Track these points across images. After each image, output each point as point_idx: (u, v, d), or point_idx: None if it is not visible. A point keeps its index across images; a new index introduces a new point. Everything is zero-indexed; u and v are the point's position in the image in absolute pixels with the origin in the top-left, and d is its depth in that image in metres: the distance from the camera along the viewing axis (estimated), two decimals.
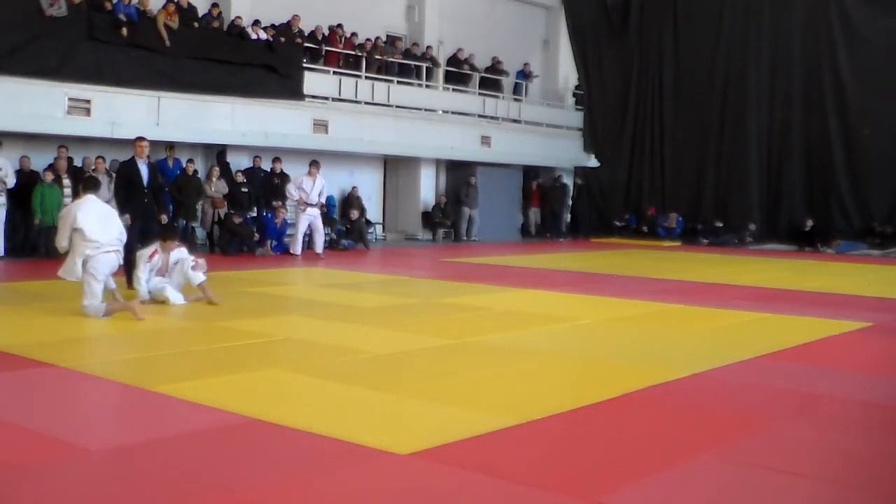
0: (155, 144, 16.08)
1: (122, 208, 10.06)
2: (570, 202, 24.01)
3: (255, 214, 16.76)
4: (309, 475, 4.07)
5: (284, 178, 17.15)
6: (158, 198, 10.67)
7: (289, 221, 17.27)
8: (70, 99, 14.66)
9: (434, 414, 5.19)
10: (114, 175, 14.74)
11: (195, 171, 16.12)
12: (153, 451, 4.33)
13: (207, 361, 6.63)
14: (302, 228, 15.80)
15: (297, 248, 15.82)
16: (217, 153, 17.27)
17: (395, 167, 21.86)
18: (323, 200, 16.40)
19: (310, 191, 15.79)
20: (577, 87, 25.78)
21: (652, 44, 24.66)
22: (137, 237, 10.00)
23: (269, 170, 17.34)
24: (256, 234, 16.03)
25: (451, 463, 4.22)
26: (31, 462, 4.13)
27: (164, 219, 10.94)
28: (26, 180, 13.99)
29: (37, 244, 13.95)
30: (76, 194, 14.12)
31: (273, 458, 4.26)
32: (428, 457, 4.28)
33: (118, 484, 3.89)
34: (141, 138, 10.46)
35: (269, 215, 16.53)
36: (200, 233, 16.64)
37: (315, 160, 16.37)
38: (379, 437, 4.55)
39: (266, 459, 4.22)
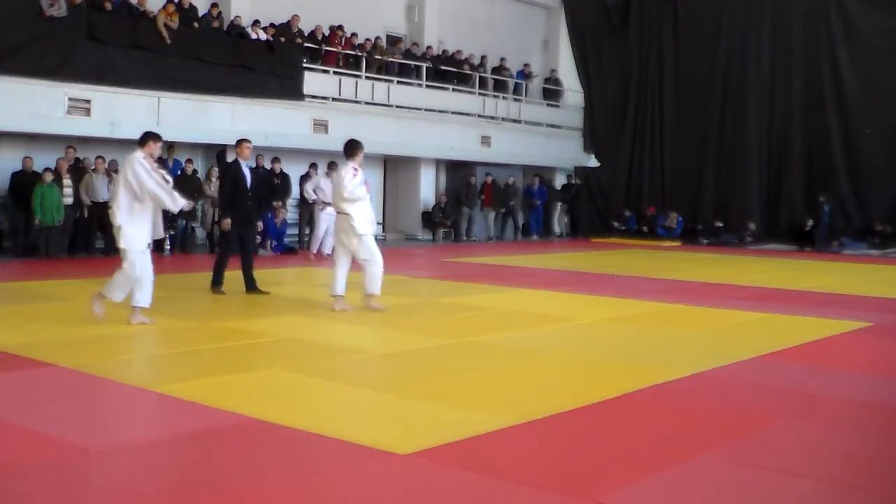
0: None
1: (224, 212, 10.04)
2: (514, 204, 22.79)
3: None
4: (309, 475, 4.07)
5: (285, 178, 17.14)
6: (261, 202, 10.42)
7: (289, 222, 17.28)
8: (70, 99, 14.66)
9: (434, 414, 5.19)
10: (115, 174, 14.87)
11: (194, 171, 16.12)
12: (153, 451, 4.34)
13: (207, 361, 6.63)
14: (323, 228, 15.82)
15: (316, 247, 15.83)
16: (217, 153, 17.26)
17: (395, 167, 21.86)
18: None
19: (328, 190, 15.84)
20: (547, 81, 25.38)
21: (652, 44, 24.66)
22: (236, 242, 9.98)
23: (268, 169, 17.32)
24: (258, 237, 16.04)
25: (451, 463, 4.22)
26: (31, 462, 4.14)
27: (261, 226, 10.70)
28: (26, 180, 13.99)
29: (37, 244, 13.95)
30: (77, 194, 14.22)
31: (273, 458, 4.26)
32: (428, 457, 4.28)
33: (118, 484, 3.89)
34: (246, 140, 10.20)
35: (269, 215, 16.53)
36: (200, 233, 16.64)
37: (333, 161, 16.40)
38: (379, 437, 4.55)
39: (266, 459, 4.22)
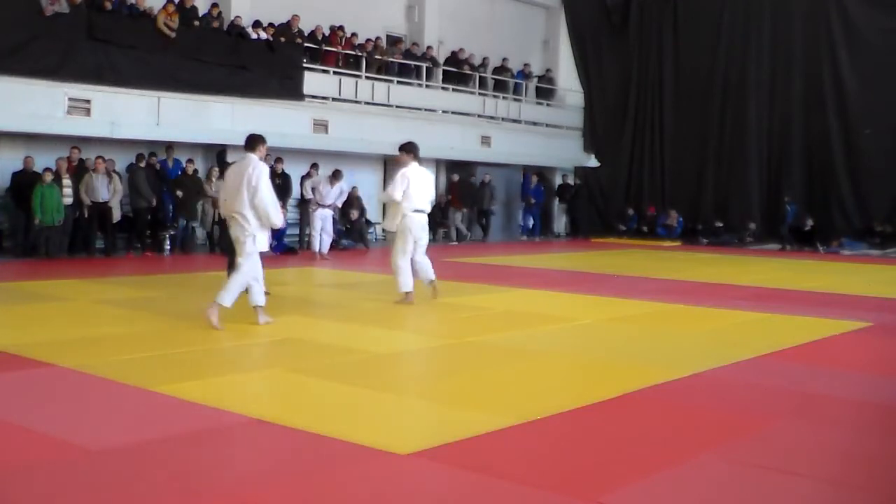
0: (155, 144, 16.16)
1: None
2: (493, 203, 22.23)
3: None
4: (309, 475, 4.07)
5: (286, 178, 17.13)
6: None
7: (289, 222, 17.26)
8: (70, 99, 14.65)
9: (434, 414, 5.19)
10: (115, 174, 14.88)
11: (195, 171, 16.12)
12: (153, 451, 4.33)
13: (207, 361, 6.63)
14: (318, 227, 15.86)
15: (316, 246, 15.86)
16: (217, 153, 17.26)
17: (395, 167, 21.78)
18: (339, 204, 16.47)
19: (326, 194, 15.88)
20: (541, 79, 25.08)
21: (652, 44, 24.67)
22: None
23: (270, 168, 17.31)
24: None
25: (451, 463, 4.22)
26: (31, 462, 4.14)
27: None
28: (27, 180, 13.98)
29: (37, 244, 13.94)
30: (77, 194, 14.22)
31: (273, 458, 4.26)
32: (428, 457, 4.28)
33: (118, 484, 3.89)
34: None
35: None
36: (200, 232, 16.64)
37: (338, 170, 16.40)
38: (379, 437, 4.55)
39: (266, 459, 4.23)
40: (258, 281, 7.95)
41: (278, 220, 7.89)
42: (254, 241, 7.76)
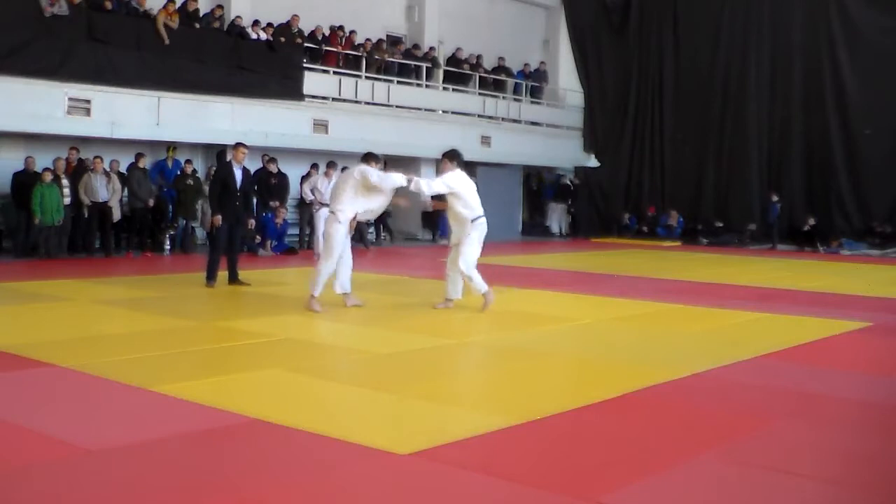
0: (155, 144, 16.16)
1: (214, 210, 10.73)
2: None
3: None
4: (309, 475, 4.07)
5: (282, 177, 17.11)
6: (248, 202, 11.10)
7: (289, 222, 17.26)
8: (70, 99, 14.65)
9: (434, 414, 5.19)
10: (114, 174, 14.88)
11: (194, 171, 16.12)
12: (153, 451, 4.33)
13: (207, 361, 6.63)
14: (321, 228, 15.80)
15: (321, 248, 15.83)
16: (217, 153, 17.25)
17: (395, 167, 21.80)
18: None
19: (325, 191, 15.84)
20: (529, 76, 25.01)
21: (652, 44, 24.67)
22: (226, 238, 10.71)
23: (265, 169, 17.26)
24: (258, 237, 16.06)
25: (451, 463, 4.22)
26: (31, 462, 4.14)
27: (252, 223, 11.32)
28: (28, 181, 13.98)
29: (37, 244, 13.94)
30: (75, 194, 14.22)
31: (273, 458, 4.26)
32: (428, 457, 4.28)
33: (118, 484, 3.89)
34: (242, 144, 10.85)
35: (270, 215, 16.52)
36: (200, 233, 16.63)
37: (332, 161, 16.39)
38: (379, 437, 4.55)
39: (266, 459, 4.22)
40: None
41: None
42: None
